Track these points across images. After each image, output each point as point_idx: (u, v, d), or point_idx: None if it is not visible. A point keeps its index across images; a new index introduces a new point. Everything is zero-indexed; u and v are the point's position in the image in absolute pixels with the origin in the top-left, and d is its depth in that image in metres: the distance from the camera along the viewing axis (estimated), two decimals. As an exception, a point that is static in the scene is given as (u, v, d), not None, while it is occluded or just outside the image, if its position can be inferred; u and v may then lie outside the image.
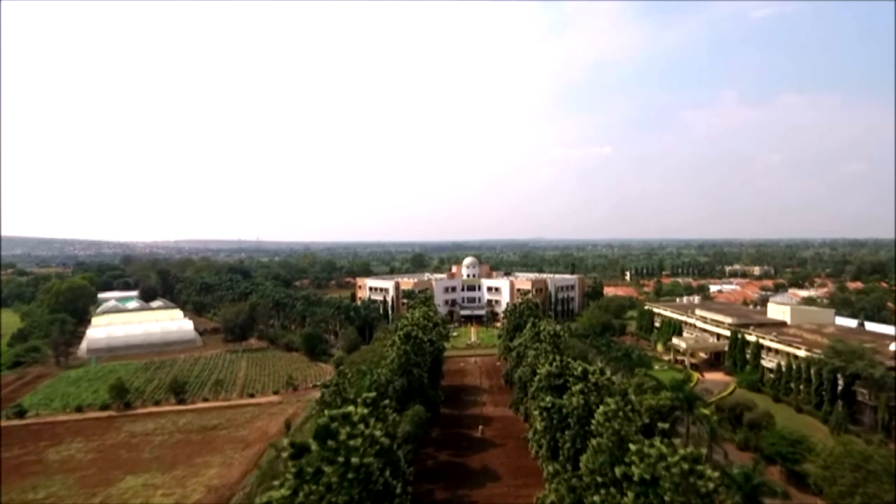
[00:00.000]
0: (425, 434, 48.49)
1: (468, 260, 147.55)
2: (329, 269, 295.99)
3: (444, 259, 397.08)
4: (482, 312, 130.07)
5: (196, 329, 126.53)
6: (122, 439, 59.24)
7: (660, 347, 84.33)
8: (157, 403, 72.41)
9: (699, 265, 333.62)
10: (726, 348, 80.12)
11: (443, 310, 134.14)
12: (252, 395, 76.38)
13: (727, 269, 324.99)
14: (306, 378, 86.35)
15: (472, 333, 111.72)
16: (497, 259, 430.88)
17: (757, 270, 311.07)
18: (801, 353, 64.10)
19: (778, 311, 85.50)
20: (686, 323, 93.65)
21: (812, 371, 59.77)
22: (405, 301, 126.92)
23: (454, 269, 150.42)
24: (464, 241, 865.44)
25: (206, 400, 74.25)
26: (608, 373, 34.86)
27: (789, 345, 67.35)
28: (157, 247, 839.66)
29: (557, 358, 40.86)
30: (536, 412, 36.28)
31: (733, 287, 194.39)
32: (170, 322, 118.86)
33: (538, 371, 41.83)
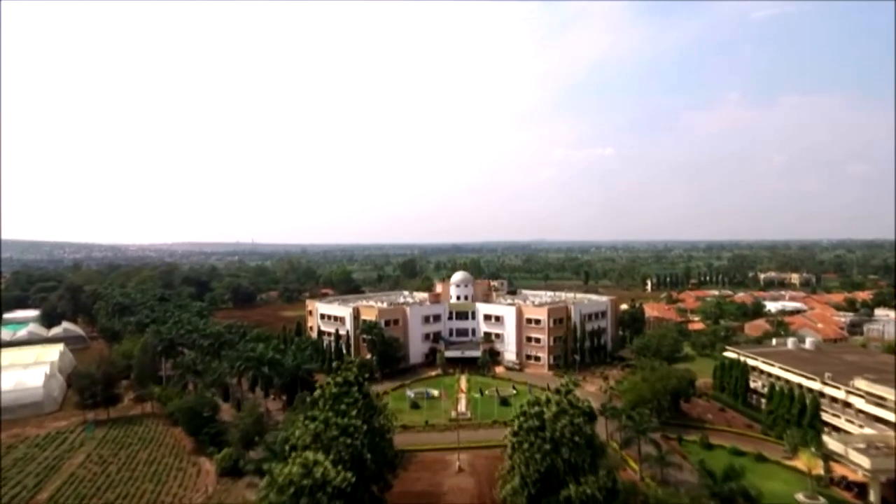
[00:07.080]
0: None
1: (458, 276, 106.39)
2: (305, 279, 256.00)
3: (441, 264, 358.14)
4: (477, 354, 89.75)
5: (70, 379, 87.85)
6: None
7: (806, 458, 44.65)
8: None
9: (727, 272, 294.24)
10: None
11: (422, 348, 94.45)
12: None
13: (761, 276, 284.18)
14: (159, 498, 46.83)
15: (462, 397, 71.21)
16: (498, 263, 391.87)
17: (795, 278, 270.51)
18: None
19: None
20: (830, 397, 54.03)
21: None
22: (365, 337, 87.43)
23: (439, 287, 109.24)
24: (464, 243, 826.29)
25: None
26: None
27: None
28: (151, 249, 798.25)
29: None
30: None
31: (796, 304, 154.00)
32: (6, 375, 78.95)
33: None
